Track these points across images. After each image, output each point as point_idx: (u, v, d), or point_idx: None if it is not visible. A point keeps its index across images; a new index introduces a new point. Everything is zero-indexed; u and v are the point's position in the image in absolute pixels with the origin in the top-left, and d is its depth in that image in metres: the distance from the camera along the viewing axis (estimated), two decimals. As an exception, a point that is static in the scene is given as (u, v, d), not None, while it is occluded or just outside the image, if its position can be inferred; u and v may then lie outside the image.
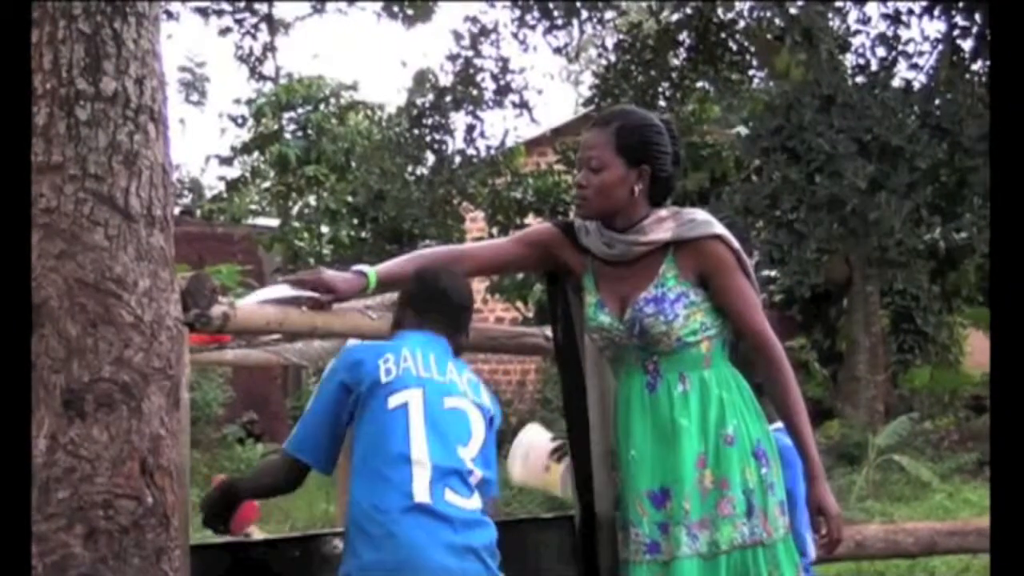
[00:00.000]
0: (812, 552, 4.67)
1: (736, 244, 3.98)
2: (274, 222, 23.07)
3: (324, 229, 22.72)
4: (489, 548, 3.58)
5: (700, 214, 4.03)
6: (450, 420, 3.61)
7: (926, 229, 16.69)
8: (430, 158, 19.51)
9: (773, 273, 18.43)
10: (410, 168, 19.74)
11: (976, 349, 20.12)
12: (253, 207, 25.48)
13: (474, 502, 3.58)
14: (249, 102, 24.51)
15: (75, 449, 3.06)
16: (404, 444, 3.50)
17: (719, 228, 3.98)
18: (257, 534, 11.36)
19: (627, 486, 4.04)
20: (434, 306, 3.86)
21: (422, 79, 21.22)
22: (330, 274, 4.00)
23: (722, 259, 3.97)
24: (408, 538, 3.42)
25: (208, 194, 26.46)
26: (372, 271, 4.02)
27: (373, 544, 3.44)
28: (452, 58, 19.24)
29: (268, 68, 25.49)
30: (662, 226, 4.00)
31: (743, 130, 18.33)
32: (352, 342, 4.21)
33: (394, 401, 3.55)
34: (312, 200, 23.56)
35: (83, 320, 3.09)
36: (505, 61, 19.26)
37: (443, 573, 3.43)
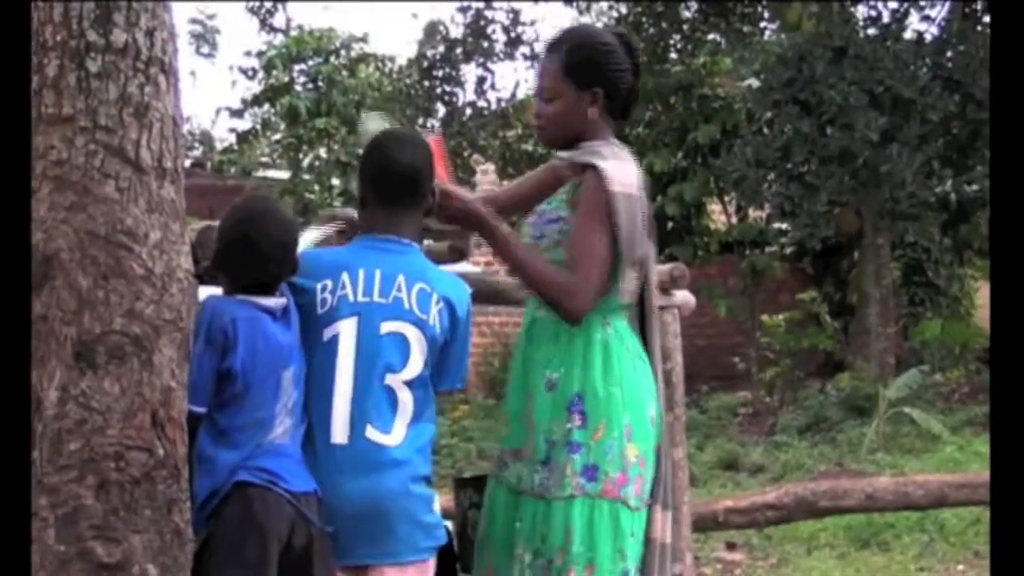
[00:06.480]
0: None
1: (614, 187, 3.66)
2: (284, 174, 22.95)
3: (335, 181, 22.61)
4: (398, 491, 3.52)
5: (612, 149, 3.78)
6: (385, 346, 3.53)
7: (938, 181, 16.63)
8: (441, 110, 19.46)
9: (784, 226, 18.40)
10: (421, 120, 19.68)
11: (987, 302, 20.06)
12: (264, 159, 25.34)
13: (395, 435, 3.52)
14: (260, 54, 24.42)
15: (86, 401, 3.07)
16: (330, 380, 3.49)
17: (606, 163, 3.70)
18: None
19: None
20: (393, 189, 3.67)
21: (433, 31, 21.07)
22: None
23: (585, 191, 3.69)
24: (324, 476, 3.45)
25: (219, 146, 26.34)
26: None
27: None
28: (463, 10, 19.15)
29: (279, 20, 25.30)
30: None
31: (755, 82, 18.22)
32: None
33: (328, 334, 3.52)
34: (322, 152, 23.44)
35: (94, 272, 3.09)
36: (516, 13, 19.17)
37: (347, 518, 3.43)
